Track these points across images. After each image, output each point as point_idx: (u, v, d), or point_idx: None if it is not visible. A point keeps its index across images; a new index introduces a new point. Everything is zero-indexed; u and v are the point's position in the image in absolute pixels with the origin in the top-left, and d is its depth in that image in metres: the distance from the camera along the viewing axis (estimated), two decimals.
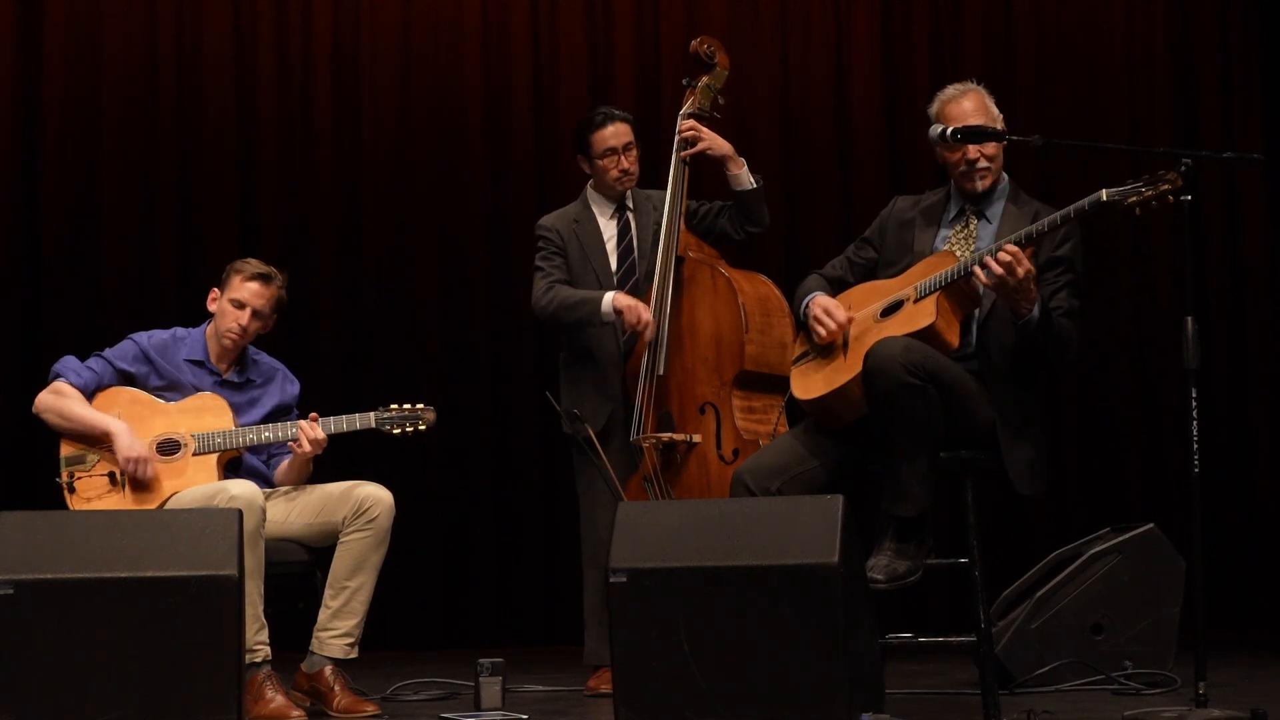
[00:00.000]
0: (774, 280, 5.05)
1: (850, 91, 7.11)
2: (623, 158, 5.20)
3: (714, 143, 5.09)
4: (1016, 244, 4.14)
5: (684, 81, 5.23)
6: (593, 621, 5.11)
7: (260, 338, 4.94)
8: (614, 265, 5.22)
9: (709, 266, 4.98)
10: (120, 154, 6.72)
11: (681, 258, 5.01)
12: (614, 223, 5.27)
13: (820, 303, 4.38)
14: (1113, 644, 5.00)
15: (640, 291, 5.14)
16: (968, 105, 4.42)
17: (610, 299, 5.00)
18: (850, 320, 4.32)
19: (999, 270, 4.05)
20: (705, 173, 5.23)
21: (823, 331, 4.33)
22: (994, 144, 4.37)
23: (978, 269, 4.09)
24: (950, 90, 4.49)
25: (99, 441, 4.66)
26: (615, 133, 5.21)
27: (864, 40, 7.12)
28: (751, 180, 5.11)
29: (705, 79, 5.18)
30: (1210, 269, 7.02)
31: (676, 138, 5.13)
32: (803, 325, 4.48)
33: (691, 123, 5.11)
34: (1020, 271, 4.05)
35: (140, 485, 4.62)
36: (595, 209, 5.28)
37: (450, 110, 6.95)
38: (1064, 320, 4.26)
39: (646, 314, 4.92)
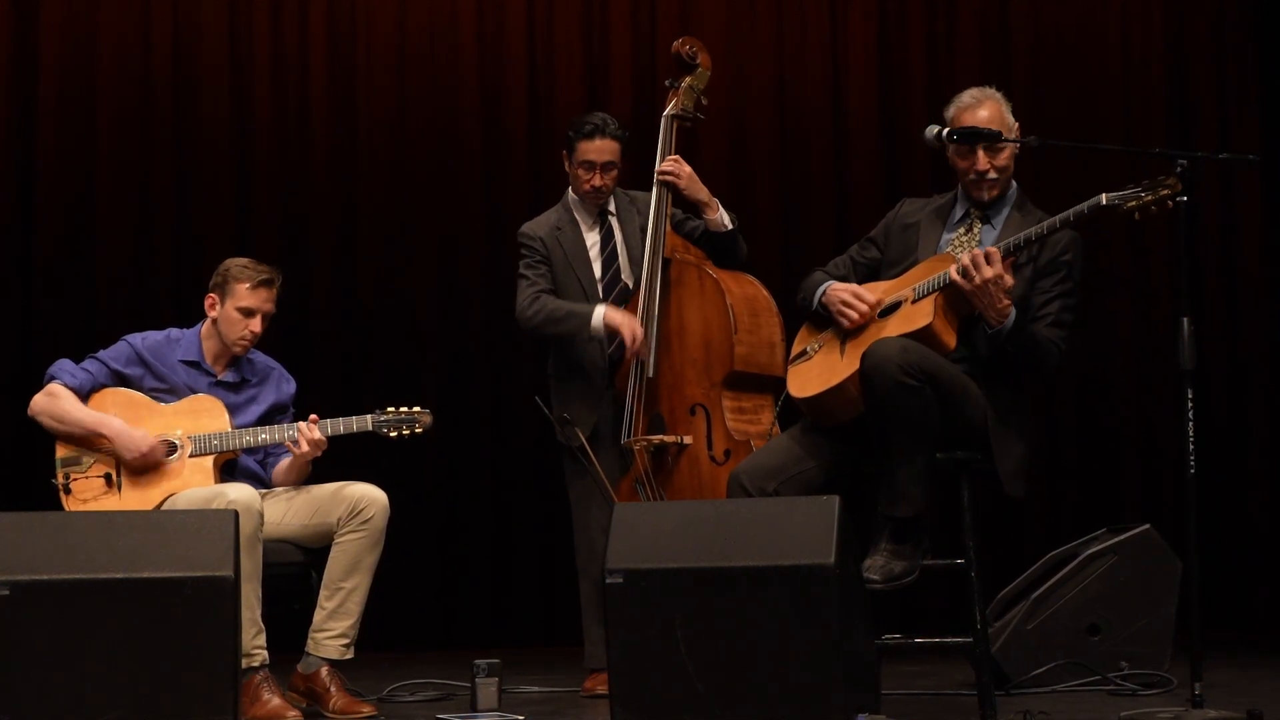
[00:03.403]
0: (770, 280, 5.04)
1: (846, 92, 7.10)
2: (598, 174, 5.16)
3: (691, 185, 5.06)
4: (1015, 245, 4.14)
5: (666, 83, 5.22)
6: (591, 626, 5.11)
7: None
8: (598, 273, 5.20)
9: (695, 268, 4.97)
10: (116, 156, 6.71)
11: (668, 259, 5.00)
12: (596, 229, 5.25)
13: (844, 287, 4.37)
14: (1109, 645, 5.01)
15: (628, 298, 5.14)
16: (983, 115, 4.37)
17: (600, 316, 4.98)
18: (880, 302, 4.31)
19: (957, 276, 4.07)
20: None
21: (854, 315, 4.31)
22: (1005, 155, 4.35)
23: (953, 271, 4.10)
24: (967, 97, 4.43)
25: (95, 443, 4.66)
26: (599, 149, 5.16)
27: (860, 41, 7.11)
28: (726, 223, 5.08)
29: (688, 80, 5.17)
30: (1207, 270, 7.02)
31: (659, 168, 5.09)
32: (813, 317, 4.47)
33: (675, 159, 5.07)
34: (985, 274, 4.05)
35: (140, 481, 4.62)
36: (577, 215, 5.26)
37: (446, 111, 6.95)
38: (1050, 330, 4.25)
39: (640, 331, 4.90)
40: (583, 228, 5.24)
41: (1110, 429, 7.02)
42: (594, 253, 5.22)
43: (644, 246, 5.08)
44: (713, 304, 4.88)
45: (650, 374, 4.94)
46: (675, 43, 5.22)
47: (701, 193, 5.07)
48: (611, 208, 5.26)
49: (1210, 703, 3.92)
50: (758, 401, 4.85)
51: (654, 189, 5.09)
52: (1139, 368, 7.02)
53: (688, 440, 4.86)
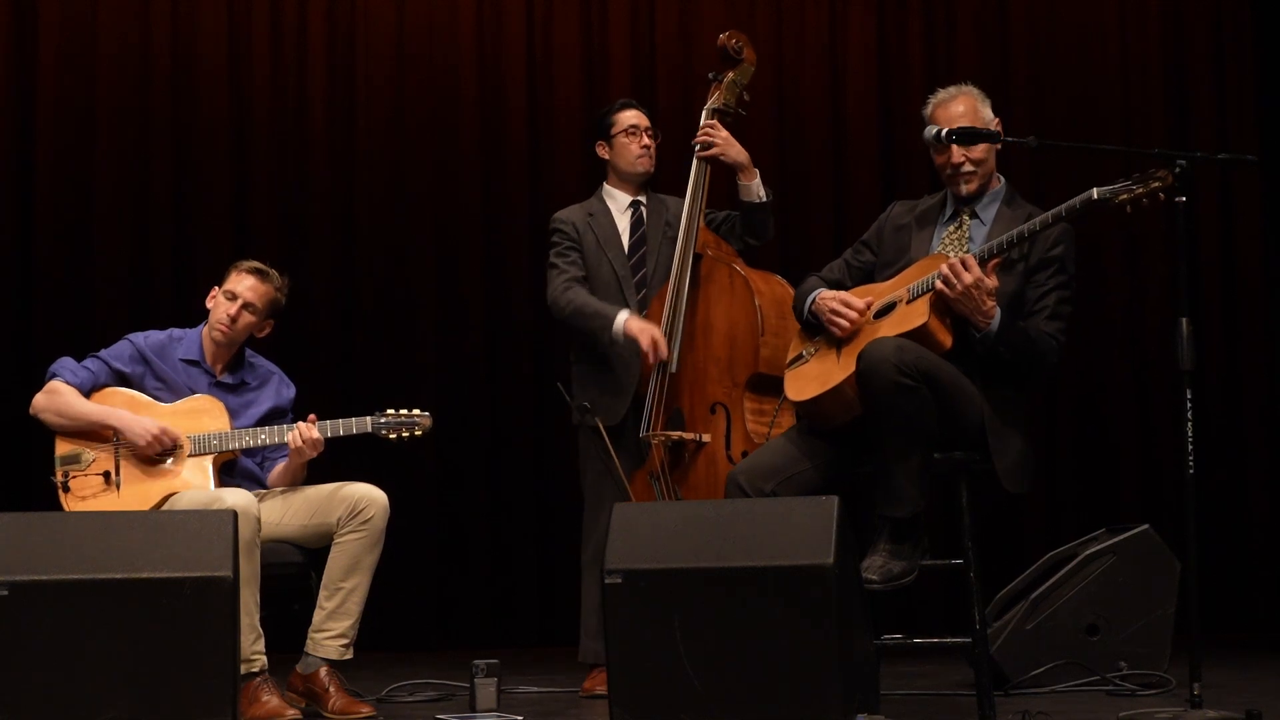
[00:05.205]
0: None
1: (845, 94, 7.11)
2: (644, 135, 5.24)
3: (728, 149, 5.06)
4: (1003, 245, 4.14)
5: (710, 76, 5.18)
6: (591, 618, 5.09)
7: (257, 341, 4.94)
8: (626, 257, 5.22)
9: (726, 265, 4.95)
10: (115, 156, 6.72)
11: (699, 254, 4.98)
12: (628, 215, 5.27)
13: (833, 295, 4.37)
14: (1108, 645, 5.01)
15: (650, 288, 5.14)
16: (957, 109, 4.42)
17: (622, 322, 4.96)
18: (869, 305, 4.32)
19: (941, 285, 4.07)
20: (714, 180, 5.16)
21: (845, 324, 4.31)
22: (981, 147, 4.37)
23: (937, 280, 4.11)
24: (942, 93, 4.50)
25: (100, 436, 4.66)
26: (637, 114, 5.27)
27: (858, 43, 7.12)
28: (761, 194, 5.07)
29: (731, 74, 5.13)
30: (1206, 270, 7.03)
31: (698, 134, 5.11)
32: (805, 324, 4.47)
33: (711, 123, 5.09)
34: (965, 280, 4.06)
35: (139, 480, 4.63)
36: (610, 203, 5.29)
37: (445, 111, 6.96)
38: (1048, 324, 4.25)
39: (661, 339, 4.88)
40: (615, 213, 5.27)
41: (1109, 429, 7.03)
42: (624, 238, 5.23)
43: (671, 239, 5.08)
44: (741, 304, 4.86)
45: (673, 369, 4.92)
46: (721, 36, 5.17)
47: (740, 155, 5.06)
48: (644, 200, 5.28)
49: (1209, 703, 3.92)
50: (777, 404, 4.83)
51: (689, 181, 5.06)
52: (1138, 368, 7.03)
53: (706, 438, 4.84)
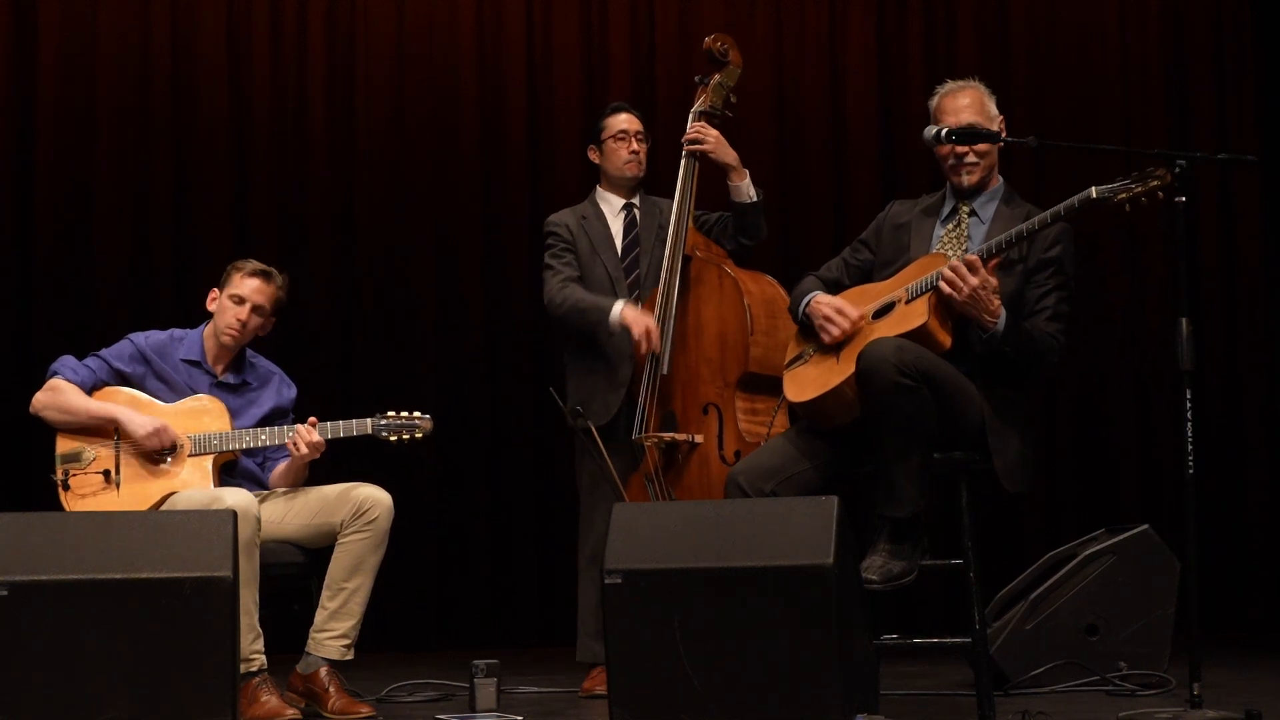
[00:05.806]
0: None
1: (845, 93, 7.11)
2: (633, 140, 5.25)
3: (719, 148, 5.07)
4: (1003, 244, 4.14)
5: (696, 79, 5.19)
6: (589, 618, 5.10)
7: (257, 341, 4.94)
8: (620, 259, 5.22)
9: (716, 266, 4.95)
10: (115, 156, 6.71)
11: (689, 256, 4.98)
12: (621, 218, 5.28)
13: (828, 301, 4.37)
14: (1108, 645, 5.01)
15: (643, 289, 5.14)
16: (963, 101, 4.43)
17: (618, 311, 4.98)
18: (861, 317, 4.31)
19: (946, 288, 4.07)
20: (706, 183, 5.17)
21: (835, 331, 4.31)
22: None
23: (942, 284, 4.10)
24: (950, 85, 4.50)
25: (102, 432, 4.66)
26: (628, 119, 5.28)
27: (858, 43, 7.12)
28: (752, 194, 5.08)
29: (718, 77, 5.14)
30: (1205, 270, 7.03)
31: (686, 135, 5.11)
32: (801, 326, 4.48)
33: (701, 124, 5.10)
34: (971, 282, 4.05)
35: (139, 479, 4.63)
36: (603, 206, 5.30)
37: (445, 111, 6.95)
38: (1049, 324, 4.25)
39: (654, 328, 4.89)
40: (608, 216, 5.28)
41: (1109, 429, 7.03)
42: (618, 241, 5.24)
43: (664, 241, 5.08)
44: (730, 304, 4.86)
45: (664, 371, 4.91)
46: (707, 39, 5.19)
47: (730, 156, 5.07)
48: (636, 203, 5.28)
49: (1208, 703, 3.92)
50: (770, 404, 4.82)
51: (678, 183, 5.05)
52: (1138, 368, 7.03)
53: (699, 439, 4.84)
